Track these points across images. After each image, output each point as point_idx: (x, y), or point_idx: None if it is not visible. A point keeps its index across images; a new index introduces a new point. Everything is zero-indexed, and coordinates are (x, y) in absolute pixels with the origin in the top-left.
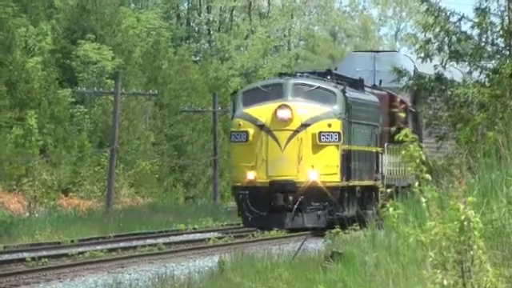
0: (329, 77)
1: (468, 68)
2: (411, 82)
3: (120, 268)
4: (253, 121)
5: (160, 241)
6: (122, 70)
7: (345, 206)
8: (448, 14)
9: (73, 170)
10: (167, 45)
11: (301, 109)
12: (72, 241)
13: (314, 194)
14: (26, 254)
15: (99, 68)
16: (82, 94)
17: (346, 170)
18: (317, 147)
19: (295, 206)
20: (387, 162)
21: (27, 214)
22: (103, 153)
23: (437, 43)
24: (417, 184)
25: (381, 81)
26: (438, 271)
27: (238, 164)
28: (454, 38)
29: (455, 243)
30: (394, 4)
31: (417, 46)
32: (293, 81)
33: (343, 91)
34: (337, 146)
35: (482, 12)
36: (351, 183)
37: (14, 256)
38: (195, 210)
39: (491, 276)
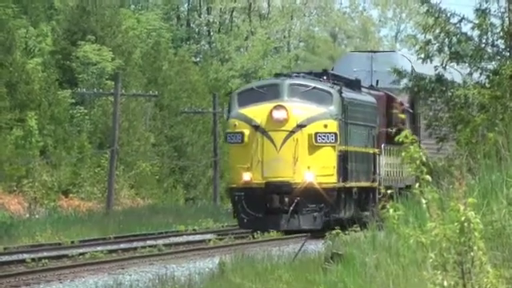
0: (325, 77)
1: (468, 69)
2: (411, 83)
3: (120, 269)
4: (248, 121)
5: (160, 242)
6: (122, 71)
7: (341, 207)
8: (448, 15)
9: (73, 171)
10: (167, 46)
11: (296, 109)
12: (72, 242)
13: (310, 195)
14: (26, 255)
15: (99, 69)
16: (82, 95)
17: (343, 171)
18: (313, 148)
19: (291, 208)
20: (384, 163)
21: (27, 215)
22: (103, 154)
23: (437, 44)
24: (417, 185)
25: (378, 81)
26: (439, 272)
27: (234, 165)
28: (455, 40)
29: (455, 244)
30: (394, 5)
31: (417, 47)
32: (288, 81)
33: (339, 92)
34: (333, 146)
35: (482, 13)
36: (348, 184)
37: (15, 257)
38: (195, 211)
39: (491, 277)
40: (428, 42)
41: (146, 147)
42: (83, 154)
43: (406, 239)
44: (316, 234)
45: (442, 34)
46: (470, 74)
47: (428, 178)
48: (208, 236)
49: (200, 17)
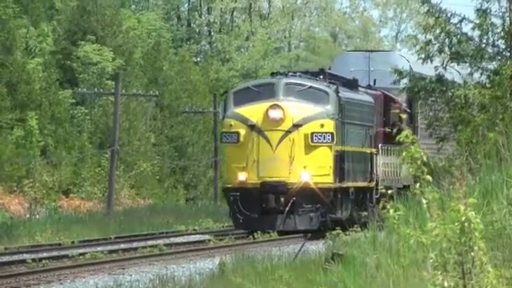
0: (322, 76)
1: (469, 69)
2: (411, 83)
3: (121, 269)
4: (244, 121)
5: (160, 242)
6: (122, 71)
7: (338, 207)
8: (449, 15)
9: (73, 171)
10: (168, 46)
11: (293, 109)
12: (72, 242)
13: (307, 195)
14: (26, 256)
15: (100, 69)
16: (83, 95)
17: (339, 171)
18: (309, 148)
19: (287, 208)
20: (382, 162)
21: (28, 215)
22: (104, 154)
23: (437, 44)
24: (417, 185)
25: (375, 80)
26: (439, 272)
27: (229, 165)
28: (455, 40)
29: (456, 244)
30: (395, 5)
31: (417, 48)
32: (285, 80)
33: (336, 91)
34: (329, 146)
35: (482, 13)
36: (344, 184)
37: (15, 257)
38: (196, 211)
39: (492, 277)
40: (428, 42)
41: (146, 147)
42: (84, 153)
43: (406, 239)
44: (316, 235)
45: (443, 34)
46: (471, 74)
47: (429, 178)
48: (206, 236)
49: (200, 17)
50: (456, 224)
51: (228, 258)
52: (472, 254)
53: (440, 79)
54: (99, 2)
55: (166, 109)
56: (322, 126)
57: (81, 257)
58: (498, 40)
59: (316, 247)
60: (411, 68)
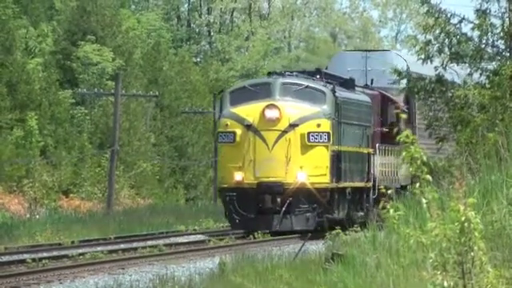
0: (318, 76)
1: (468, 70)
2: (411, 83)
3: (120, 269)
4: (240, 121)
5: (160, 242)
6: (122, 71)
7: (335, 207)
8: (448, 15)
9: (73, 171)
10: (168, 46)
11: (289, 108)
12: (72, 242)
13: (303, 195)
14: (26, 256)
15: (100, 69)
16: (83, 96)
17: (336, 171)
18: (305, 148)
19: (283, 208)
20: (379, 163)
21: (28, 215)
22: (104, 154)
23: (437, 45)
24: (417, 185)
25: (372, 80)
26: (439, 272)
27: (225, 165)
28: (455, 40)
29: (456, 244)
30: (395, 6)
31: (417, 48)
32: (281, 80)
33: (333, 91)
34: (326, 146)
35: (482, 14)
36: (341, 185)
37: (15, 257)
38: (196, 211)
39: (492, 277)
40: (428, 43)
41: (146, 147)
42: (84, 154)
43: (406, 239)
44: (316, 234)
45: (442, 35)
46: (470, 74)
47: (428, 177)
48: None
49: (200, 17)
50: (456, 224)
51: (228, 257)
52: (472, 253)
53: (440, 79)
54: (99, 2)
55: (166, 109)
56: (319, 125)
57: (81, 257)
58: (497, 40)
59: (316, 247)
60: (408, 67)
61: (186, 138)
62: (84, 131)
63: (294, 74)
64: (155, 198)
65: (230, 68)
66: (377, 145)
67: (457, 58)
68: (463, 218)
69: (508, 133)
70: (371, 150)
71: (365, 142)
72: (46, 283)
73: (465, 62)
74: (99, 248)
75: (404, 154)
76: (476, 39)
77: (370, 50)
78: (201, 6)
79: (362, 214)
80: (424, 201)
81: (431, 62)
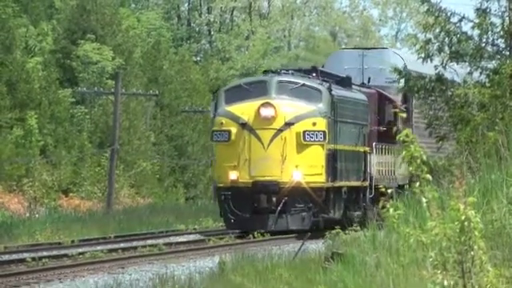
0: (314, 74)
1: (468, 68)
2: (411, 82)
3: (120, 268)
4: (235, 119)
5: (160, 241)
6: (122, 70)
7: (330, 207)
8: (448, 14)
9: (73, 170)
10: (168, 45)
11: (285, 107)
12: (72, 241)
13: (299, 194)
14: (26, 255)
15: (99, 68)
16: (83, 95)
17: (332, 170)
18: (301, 147)
19: (279, 208)
20: (376, 162)
21: (27, 214)
22: (103, 153)
23: (437, 43)
24: (417, 184)
25: (370, 78)
26: (439, 271)
27: (220, 164)
28: (455, 39)
29: (456, 243)
30: (395, 4)
31: (417, 47)
32: (277, 78)
33: (329, 89)
34: (322, 145)
35: (482, 13)
36: (337, 184)
37: (15, 256)
38: (195, 210)
39: (491, 276)
40: (428, 42)
41: (146, 146)
42: (83, 153)
43: (406, 238)
44: (316, 234)
45: (443, 33)
46: (471, 73)
47: (428, 177)
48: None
49: (200, 16)
50: (456, 223)
51: (228, 256)
52: (472, 253)
53: (440, 78)
54: (99, 1)
55: (166, 108)
56: (315, 124)
57: (80, 256)
58: (497, 39)
59: (316, 246)
60: (406, 65)
61: (186, 137)
62: (84, 130)
63: (290, 72)
64: (155, 197)
65: (230, 67)
66: (374, 144)
67: (457, 56)
68: (463, 217)
69: (508, 132)
70: (368, 149)
71: (361, 141)
72: (45, 282)
73: (465, 61)
74: (99, 247)
75: (404, 153)
76: (476, 38)
77: (366, 48)
78: (201, 5)
79: (358, 213)
80: (424, 200)
81: (431, 60)
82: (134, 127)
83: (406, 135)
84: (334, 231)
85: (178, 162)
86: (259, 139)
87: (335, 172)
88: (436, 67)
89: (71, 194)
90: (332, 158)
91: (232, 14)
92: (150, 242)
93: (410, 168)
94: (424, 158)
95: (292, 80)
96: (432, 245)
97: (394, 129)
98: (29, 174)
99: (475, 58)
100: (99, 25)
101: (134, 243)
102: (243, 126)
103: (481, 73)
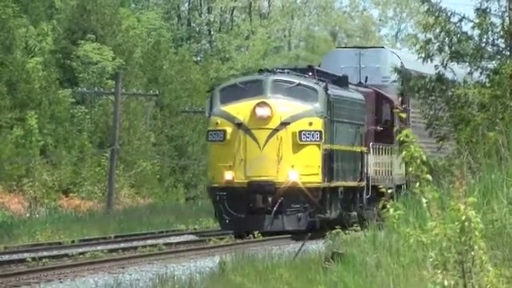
0: (310, 73)
1: (468, 68)
2: (412, 82)
3: (120, 268)
4: (230, 119)
5: (160, 241)
6: (122, 70)
7: (327, 207)
8: (449, 14)
9: (73, 170)
10: (168, 45)
11: (280, 106)
12: (72, 241)
13: (295, 195)
14: (26, 255)
15: (100, 68)
16: (83, 95)
17: (328, 170)
18: (297, 146)
19: (274, 208)
20: (373, 162)
21: (28, 214)
22: (104, 153)
23: (437, 43)
24: (417, 184)
25: (367, 78)
26: (439, 272)
27: (215, 164)
28: (455, 39)
29: (456, 244)
30: (395, 4)
31: (417, 47)
32: (272, 77)
33: (325, 88)
34: (318, 145)
35: (482, 13)
36: (333, 184)
37: (15, 256)
38: (196, 210)
39: (492, 276)
40: (428, 42)
41: (146, 146)
42: (84, 153)
43: (406, 238)
44: (316, 234)
45: (443, 33)
46: (471, 73)
47: (428, 177)
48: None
49: (201, 16)
50: (456, 223)
51: (228, 257)
52: (472, 253)
53: (440, 78)
54: (99, 1)
55: (166, 108)
56: (311, 124)
57: (81, 256)
58: (497, 39)
59: (316, 246)
60: (402, 64)
61: (186, 138)
62: (84, 130)
63: (286, 71)
64: (155, 197)
65: (230, 67)
66: (370, 144)
67: (457, 56)
68: (463, 217)
69: (508, 132)
70: (365, 149)
71: (358, 141)
72: (46, 282)
73: (465, 61)
74: (99, 247)
75: (404, 153)
76: (476, 38)
77: (363, 47)
78: (201, 5)
79: (355, 213)
80: (424, 200)
81: (431, 60)
82: (134, 127)
83: (406, 135)
84: (334, 231)
85: (178, 162)
86: (255, 139)
87: (331, 172)
88: (436, 67)
89: (71, 194)
90: (328, 158)
91: (232, 13)
92: (150, 242)
93: (410, 168)
94: (424, 158)
95: (288, 79)
96: (432, 245)
97: (395, 129)
98: (29, 174)
99: (475, 58)
100: (99, 25)
101: (135, 243)
102: (239, 125)
103: (481, 73)
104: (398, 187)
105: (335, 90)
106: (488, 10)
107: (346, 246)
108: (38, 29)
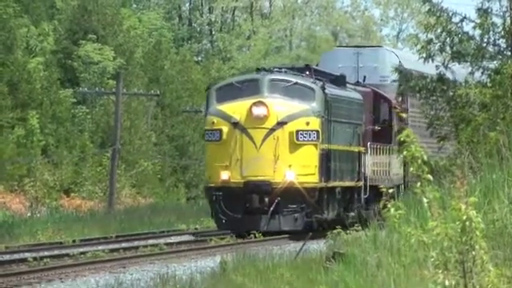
0: (308, 72)
1: (470, 68)
2: (413, 82)
3: (122, 268)
4: (227, 118)
5: (161, 241)
6: (123, 70)
7: (324, 208)
8: (450, 14)
9: (74, 170)
10: (169, 45)
11: (277, 106)
12: (74, 241)
13: (291, 195)
14: (27, 254)
15: (101, 68)
16: (84, 95)
17: (325, 170)
18: (294, 146)
19: (271, 208)
20: (371, 162)
21: (29, 214)
22: (105, 153)
23: (438, 44)
24: (418, 184)
25: (365, 77)
26: (440, 271)
27: (212, 164)
28: (456, 39)
29: (457, 243)
30: (396, 4)
31: (418, 47)
32: (269, 76)
33: (322, 88)
34: (315, 145)
35: (483, 13)
36: (330, 184)
37: (16, 256)
38: (197, 210)
39: (493, 276)
40: (430, 42)
41: (147, 146)
42: (85, 153)
43: (407, 238)
44: (317, 234)
45: (444, 34)
46: (472, 73)
47: (429, 177)
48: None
49: (202, 16)
50: (457, 223)
51: (229, 256)
52: (473, 252)
53: (441, 78)
54: (100, 1)
55: (167, 108)
56: (308, 123)
57: (82, 255)
58: (498, 39)
59: (317, 246)
60: (401, 64)
61: (187, 137)
62: (85, 130)
63: (283, 70)
64: (156, 197)
65: (232, 67)
66: (368, 143)
67: (458, 56)
68: (464, 217)
69: (509, 132)
70: (362, 149)
71: (356, 141)
72: (47, 282)
73: (466, 61)
74: (100, 247)
75: (405, 153)
76: (477, 38)
77: (361, 46)
78: (202, 5)
79: (352, 214)
80: (425, 200)
81: (432, 60)
82: (135, 127)
83: (407, 135)
84: (335, 231)
85: (179, 162)
86: (251, 139)
87: (329, 172)
88: (437, 67)
89: (72, 194)
90: (325, 158)
91: (233, 13)
92: (151, 241)
93: (411, 168)
94: (425, 158)
95: (285, 78)
96: (433, 245)
97: (393, 128)
98: (30, 173)
99: (476, 58)
100: (100, 25)
101: (136, 243)
102: (235, 125)
103: (482, 73)
104: (396, 187)
105: (333, 90)
106: (489, 10)
107: (347, 245)
108: (39, 29)
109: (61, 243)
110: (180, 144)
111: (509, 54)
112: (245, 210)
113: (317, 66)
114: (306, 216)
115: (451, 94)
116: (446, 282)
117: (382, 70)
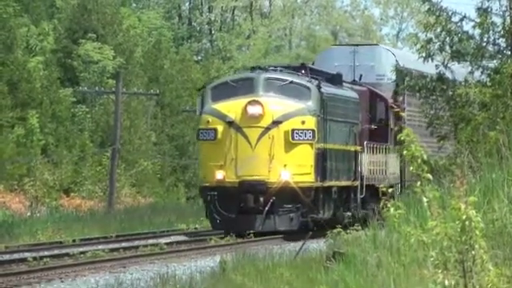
0: (303, 71)
1: (469, 68)
2: (412, 81)
3: (122, 268)
4: (221, 117)
5: (161, 241)
6: (123, 69)
7: (320, 207)
8: (449, 13)
9: (74, 169)
10: (169, 44)
11: (272, 105)
12: (73, 241)
13: (287, 194)
14: (27, 254)
15: (100, 68)
16: (84, 94)
17: (321, 169)
18: (289, 145)
19: (266, 208)
20: (367, 161)
21: (29, 213)
22: (105, 152)
23: (438, 43)
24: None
25: (361, 76)
26: (440, 271)
27: (206, 163)
28: (456, 38)
29: (456, 243)
30: (396, 4)
31: (418, 46)
32: (264, 75)
33: (318, 86)
34: (311, 144)
35: (483, 12)
36: (326, 184)
37: (16, 256)
38: (197, 209)
39: (493, 276)
40: (429, 41)
41: (147, 146)
42: (85, 152)
43: (407, 238)
44: (317, 233)
45: (444, 33)
46: (472, 72)
47: (429, 176)
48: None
49: (201, 15)
50: (457, 222)
51: (229, 256)
52: (473, 252)
53: (441, 78)
54: (100, 0)
55: (167, 107)
56: (303, 122)
57: (82, 255)
58: (498, 39)
59: (317, 245)
60: (397, 62)
61: (187, 137)
62: (85, 130)
63: (278, 69)
64: (156, 196)
65: (231, 66)
66: (365, 142)
67: (458, 56)
68: (464, 217)
69: (509, 131)
70: (359, 148)
71: (352, 140)
72: (46, 282)
73: (466, 60)
74: (100, 246)
75: (404, 152)
76: (477, 37)
77: (358, 45)
78: (202, 4)
79: (349, 213)
80: (425, 199)
81: (432, 60)
82: (134, 126)
83: (407, 135)
84: (335, 230)
85: (178, 161)
86: (246, 138)
87: (325, 171)
88: (437, 66)
89: (72, 194)
90: (321, 158)
91: (233, 13)
92: (151, 241)
93: (411, 168)
94: (425, 157)
95: (280, 77)
96: (433, 244)
97: (396, 128)
98: (30, 173)
99: (476, 57)
100: (100, 24)
101: (136, 242)
102: (230, 124)
103: (482, 72)
104: (392, 186)
105: (328, 88)
106: (489, 10)
107: (347, 245)
108: (39, 28)
109: (61, 243)
110: (180, 143)
111: (508, 53)
112: (239, 209)
113: (313, 64)
114: (301, 216)
115: (451, 93)
116: (446, 282)
117: (378, 69)
